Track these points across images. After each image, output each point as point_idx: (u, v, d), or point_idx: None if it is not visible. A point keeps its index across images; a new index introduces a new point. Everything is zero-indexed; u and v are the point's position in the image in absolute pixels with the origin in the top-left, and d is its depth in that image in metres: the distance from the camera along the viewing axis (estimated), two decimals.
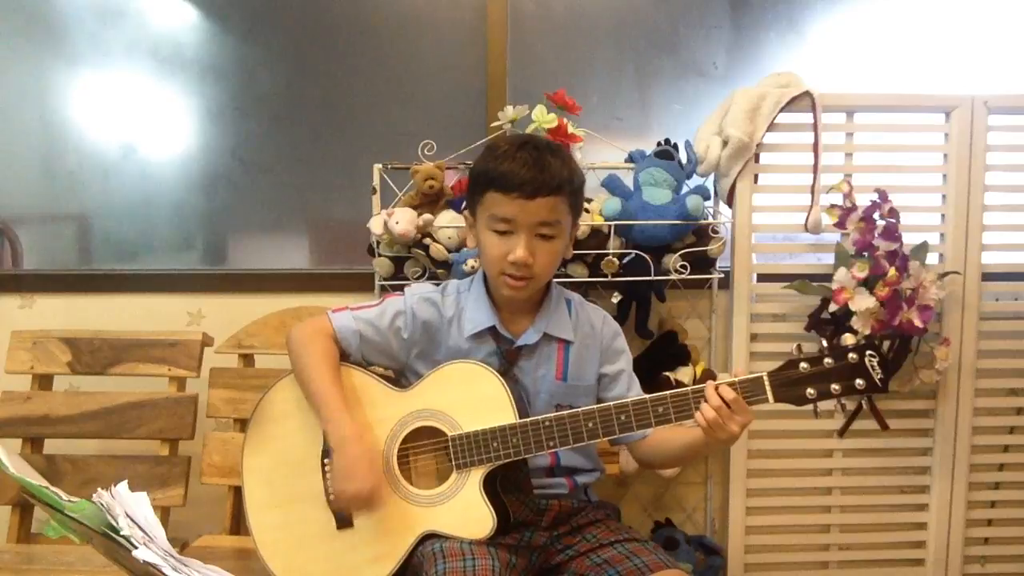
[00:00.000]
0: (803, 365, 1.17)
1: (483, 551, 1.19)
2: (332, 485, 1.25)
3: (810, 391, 1.17)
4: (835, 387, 1.16)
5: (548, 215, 1.25)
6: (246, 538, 1.63)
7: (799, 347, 1.19)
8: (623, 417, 1.22)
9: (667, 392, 1.21)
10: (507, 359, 1.33)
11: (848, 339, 1.18)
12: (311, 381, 1.28)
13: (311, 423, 1.30)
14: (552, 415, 1.23)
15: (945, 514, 1.90)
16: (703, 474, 1.97)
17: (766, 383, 1.18)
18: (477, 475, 1.24)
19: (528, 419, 1.23)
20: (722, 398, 1.16)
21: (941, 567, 1.92)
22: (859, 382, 1.16)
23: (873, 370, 1.15)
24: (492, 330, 1.34)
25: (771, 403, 1.18)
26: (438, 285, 1.42)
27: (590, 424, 1.22)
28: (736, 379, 1.19)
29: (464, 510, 1.23)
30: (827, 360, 1.16)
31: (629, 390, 1.40)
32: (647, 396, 1.22)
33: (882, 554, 1.94)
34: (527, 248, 1.25)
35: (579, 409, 1.23)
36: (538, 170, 1.24)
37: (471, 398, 1.26)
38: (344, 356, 1.34)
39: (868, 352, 1.16)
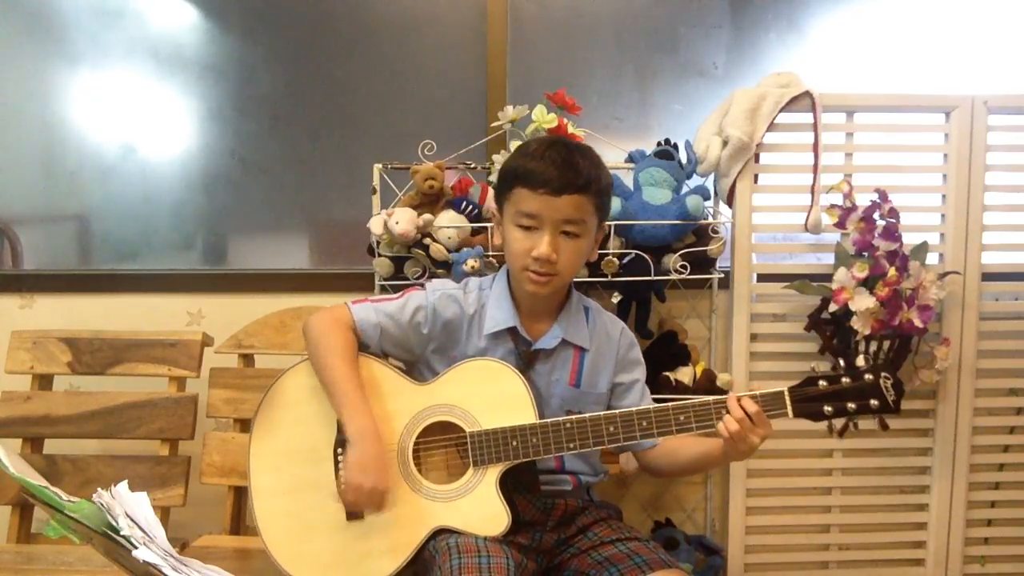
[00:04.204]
0: (822, 383, 1.21)
1: (497, 549, 1.19)
2: (345, 476, 1.23)
3: (827, 408, 1.20)
4: (851, 405, 1.20)
5: (573, 213, 1.26)
6: (246, 538, 1.64)
7: (814, 369, 1.23)
8: (644, 423, 1.23)
9: (688, 401, 1.23)
10: (524, 360, 1.33)
11: (860, 361, 1.22)
12: (330, 370, 1.28)
13: (325, 411, 1.29)
14: (574, 417, 1.24)
15: (945, 514, 1.90)
16: (703, 474, 1.97)
17: (786, 398, 1.21)
18: (494, 473, 1.24)
19: (549, 420, 1.24)
20: (745, 411, 1.19)
21: (941, 567, 1.92)
22: (873, 402, 1.20)
23: (887, 391, 1.20)
24: (512, 331, 1.34)
25: (790, 418, 1.21)
26: (459, 282, 1.42)
27: (611, 428, 1.23)
28: (757, 393, 1.21)
29: (479, 507, 1.23)
30: (844, 379, 1.20)
31: (642, 400, 1.41)
32: (669, 404, 1.24)
33: (882, 554, 1.93)
34: (551, 245, 1.25)
35: (601, 413, 1.25)
36: (566, 168, 1.24)
37: (491, 396, 1.26)
38: (363, 348, 1.34)
39: (883, 374, 1.20)
